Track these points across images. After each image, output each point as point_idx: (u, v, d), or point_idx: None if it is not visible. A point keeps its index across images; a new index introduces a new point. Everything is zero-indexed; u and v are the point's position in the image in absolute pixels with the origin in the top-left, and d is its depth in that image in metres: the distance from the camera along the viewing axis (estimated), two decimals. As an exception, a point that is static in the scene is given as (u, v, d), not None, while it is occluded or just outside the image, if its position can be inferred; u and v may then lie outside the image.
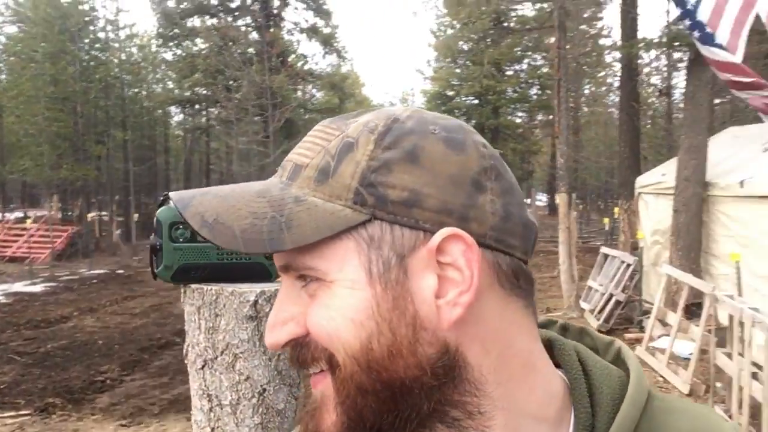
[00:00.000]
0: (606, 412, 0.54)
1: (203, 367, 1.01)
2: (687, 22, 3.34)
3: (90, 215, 18.90)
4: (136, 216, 19.98)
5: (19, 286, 13.46)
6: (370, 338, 0.49)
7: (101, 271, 16.03)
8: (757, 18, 3.26)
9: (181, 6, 21.51)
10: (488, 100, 30.59)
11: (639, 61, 14.20)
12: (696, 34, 3.31)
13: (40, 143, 18.09)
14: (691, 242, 8.82)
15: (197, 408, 1.02)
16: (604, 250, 10.91)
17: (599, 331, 8.45)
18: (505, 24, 26.34)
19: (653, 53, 18.38)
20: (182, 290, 1.02)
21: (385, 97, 50.09)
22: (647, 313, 8.70)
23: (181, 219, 1.01)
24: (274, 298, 1.00)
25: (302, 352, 0.51)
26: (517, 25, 27.05)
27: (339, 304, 0.49)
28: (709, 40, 3.27)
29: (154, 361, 7.52)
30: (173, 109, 28.55)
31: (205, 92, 22.28)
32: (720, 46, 3.25)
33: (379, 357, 0.49)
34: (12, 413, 5.66)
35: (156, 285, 13.64)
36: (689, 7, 3.27)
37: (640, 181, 11.11)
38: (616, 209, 11.45)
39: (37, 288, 13.22)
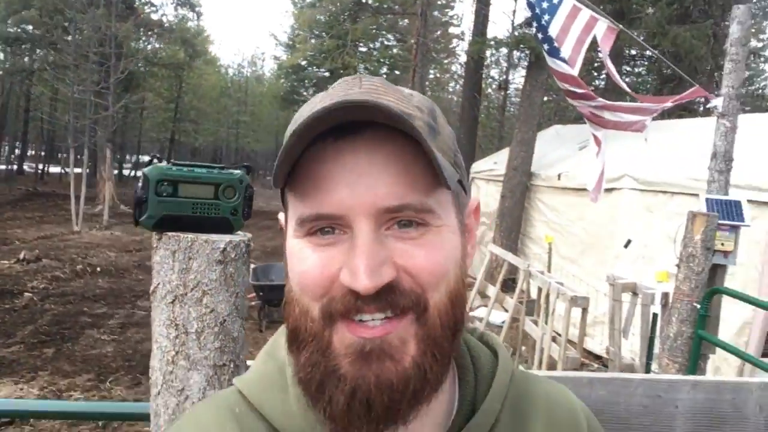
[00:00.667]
0: (485, 381, 0.65)
1: (173, 301, 1.21)
2: (539, 36, 3.92)
3: None
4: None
5: None
6: (460, 278, 0.57)
7: None
8: (594, 39, 3.95)
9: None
10: (339, 74, 30.93)
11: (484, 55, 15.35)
12: (546, 47, 3.92)
13: None
14: (512, 224, 9.95)
15: (163, 336, 1.22)
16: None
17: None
18: (366, 2, 26.77)
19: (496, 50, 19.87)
20: (157, 237, 1.21)
21: (234, 57, 48.23)
22: (469, 286, 9.72)
23: (166, 177, 1.20)
24: (238, 247, 1.25)
25: (393, 295, 0.53)
26: (376, 3, 27.61)
27: (449, 247, 0.56)
28: (555, 53, 3.89)
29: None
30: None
31: (36, 32, 19.97)
32: (564, 60, 3.88)
33: (462, 295, 0.57)
34: None
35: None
36: (543, 23, 3.86)
37: (476, 166, 12.20)
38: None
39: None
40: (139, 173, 1.21)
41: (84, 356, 6.02)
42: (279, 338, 0.66)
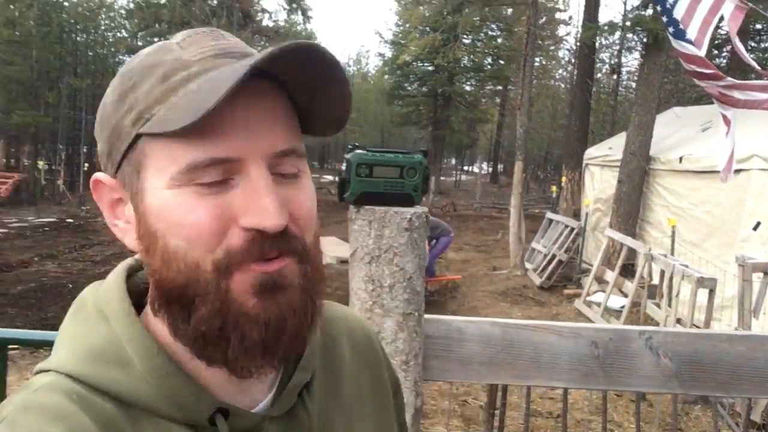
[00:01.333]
0: None
1: (370, 261, 1.51)
2: (665, 19, 3.94)
3: (40, 163, 18.44)
4: (86, 166, 19.62)
5: (-32, 232, 13.22)
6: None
7: (50, 220, 15.82)
8: (720, 18, 3.92)
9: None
10: (444, 68, 31.08)
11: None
12: (671, 29, 3.93)
13: (-10, 85, 17.48)
14: (630, 210, 9.71)
15: (361, 289, 1.52)
16: (549, 215, 11.79)
17: (541, 287, 9.32)
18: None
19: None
20: (355, 210, 1.51)
21: (341, 56, 49.51)
22: (585, 272, 9.62)
23: (364, 161, 1.50)
24: (420, 217, 1.52)
25: (287, 236, 0.54)
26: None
27: (314, 192, 0.60)
28: (681, 35, 3.90)
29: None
30: (124, 58, 27.64)
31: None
32: (690, 41, 3.88)
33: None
34: None
35: (112, 235, 13.66)
36: (668, 5, 3.88)
37: (589, 153, 11.97)
38: (564, 178, 12.30)
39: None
40: (345, 157, 1.52)
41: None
42: (89, 313, 0.62)
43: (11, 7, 18.72)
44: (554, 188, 11.99)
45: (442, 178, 36.54)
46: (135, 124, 0.54)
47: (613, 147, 10.97)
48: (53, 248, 11.39)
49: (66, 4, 21.59)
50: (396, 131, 42.19)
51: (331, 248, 12.25)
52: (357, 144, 1.55)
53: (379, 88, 40.17)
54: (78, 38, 22.24)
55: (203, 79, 0.53)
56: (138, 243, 0.57)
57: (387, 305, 1.54)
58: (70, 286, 8.42)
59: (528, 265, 10.51)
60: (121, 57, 28.38)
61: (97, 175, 0.59)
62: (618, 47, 20.87)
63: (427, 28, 30.47)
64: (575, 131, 14.20)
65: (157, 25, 20.02)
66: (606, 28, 12.08)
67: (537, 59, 33.70)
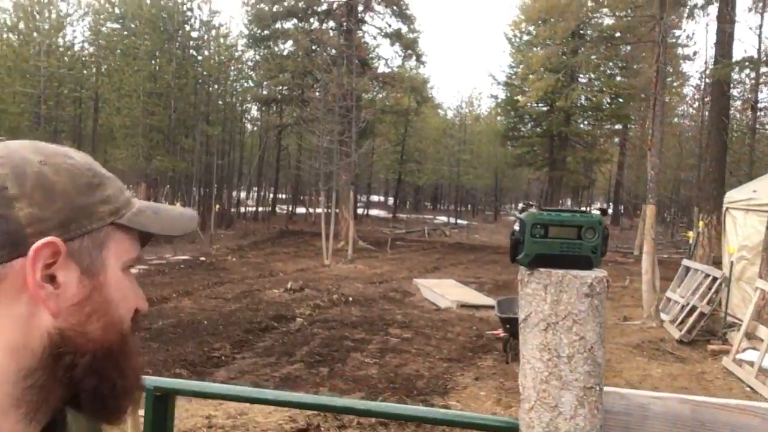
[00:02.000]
0: None
1: (545, 328, 1.41)
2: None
3: (178, 204, 19.98)
4: (217, 207, 20.98)
5: (116, 269, 14.39)
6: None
7: (185, 257, 16.93)
8: None
9: (274, 9, 22.44)
10: (560, 108, 30.45)
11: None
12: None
13: (135, 135, 19.30)
14: (784, 259, 8.78)
15: (536, 358, 1.42)
16: (686, 263, 10.95)
17: (680, 341, 8.60)
18: (586, 33, 26.23)
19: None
20: (528, 273, 1.41)
21: (453, 98, 50.07)
22: (732, 326, 8.76)
23: (539, 221, 1.42)
24: (602, 282, 1.41)
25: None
26: (598, 33, 26.79)
27: None
28: None
29: (259, 342, 8.10)
30: (251, 107, 29.86)
31: (286, 92, 23.24)
32: None
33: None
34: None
35: (240, 273, 14.44)
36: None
37: (730, 196, 11.06)
38: (701, 223, 11.45)
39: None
40: (518, 216, 1.45)
41: (353, 376, 6.70)
42: None
43: (153, 62, 20.71)
44: (689, 233, 11.16)
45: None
46: (113, 214, 0.67)
47: (758, 189, 10.07)
48: (189, 285, 12.12)
49: (200, 58, 23.61)
50: (510, 172, 41.62)
51: (450, 291, 12.11)
52: (530, 203, 1.47)
53: (492, 129, 39.98)
54: (210, 89, 24.18)
55: (152, 207, 0.73)
56: (74, 308, 0.63)
57: (565, 377, 1.42)
58: (205, 322, 8.88)
59: (664, 316, 9.77)
60: (248, 104, 30.47)
61: (54, 239, 0.61)
62: (753, 81, 19.39)
63: (543, 69, 30.12)
64: (711, 172, 13.24)
65: (281, 75, 21.29)
66: (747, 64, 11.26)
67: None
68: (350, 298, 11.41)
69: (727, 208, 10.92)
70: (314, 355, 7.53)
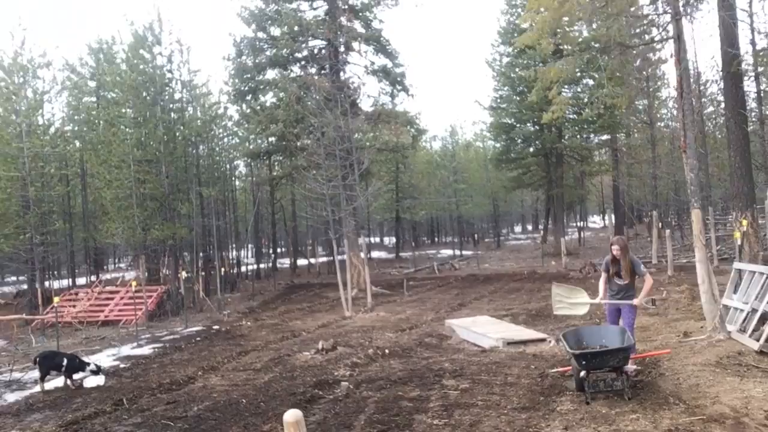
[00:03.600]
0: None
1: None
2: None
3: (183, 274, 19.15)
4: (222, 270, 20.16)
5: (127, 350, 13.51)
6: None
7: (198, 329, 16.06)
8: None
9: (256, 60, 22.11)
10: (550, 125, 30.21)
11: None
12: None
13: (130, 206, 18.58)
14: None
15: None
16: (737, 265, 10.31)
17: (761, 352, 7.88)
18: (563, 47, 26.11)
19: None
20: None
21: (441, 128, 50.01)
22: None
23: None
24: None
25: None
26: (574, 47, 26.74)
27: None
28: None
29: (309, 417, 7.25)
30: (239, 163, 29.36)
31: (277, 143, 22.76)
32: None
33: None
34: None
35: (261, 338, 13.57)
36: None
37: (770, 190, 10.55)
38: (744, 221, 10.90)
39: (146, 350, 13.24)
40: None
41: (430, 446, 5.90)
42: None
43: (139, 130, 20.13)
44: (736, 233, 10.57)
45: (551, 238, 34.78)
46: None
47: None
48: (211, 359, 11.27)
49: (185, 120, 23.06)
50: (507, 196, 41.20)
51: (489, 329, 11.34)
52: None
53: (482, 155, 39.71)
54: (198, 151, 23.59)
55: None
56: None
57: None
58: (243, 401, 8.03)
59: (729, 327, 9.07)
60: (237, 161, 29.90)
61: None
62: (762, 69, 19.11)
63: (525, 89, 29.98)
64: (737, 168, 12.75)
65: (272, 126, 20.80)
66: (762, 57, 10.90)
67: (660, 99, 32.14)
68: (386, 351, 10.61)
69: (771, 203, 10.41)
70: (375, 424, 6.71)
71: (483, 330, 11.15)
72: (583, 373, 6.64)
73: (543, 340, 10.30)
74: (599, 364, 6.72)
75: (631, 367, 7.16)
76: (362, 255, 19.05)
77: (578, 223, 47.09)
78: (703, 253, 9.33)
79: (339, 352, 10.65)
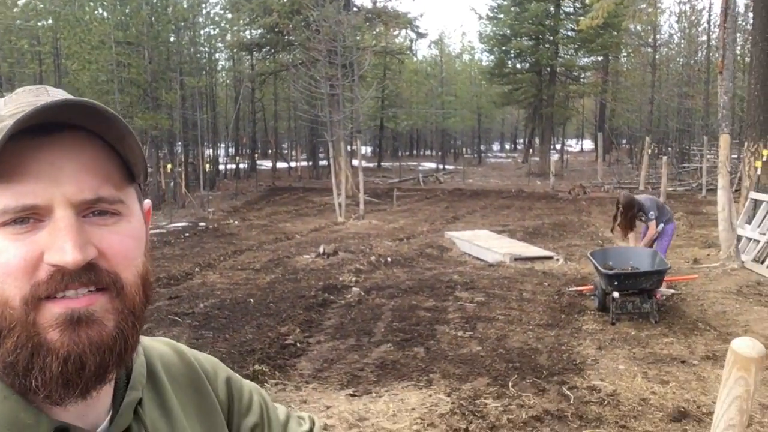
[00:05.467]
0: None
1: None
2: None
3: (169, 166, 18.34)
4: (207, 166, 19.39)
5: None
6: (147, 262, 0.64)
7: (183, 224, 15.56)
8: None
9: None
10: (547, 40, 29.18)
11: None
12: None
13: (111, 90, 17.37)
14: None
15: None
16: (754, 195, 10.17)
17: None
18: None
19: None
20: None
21: (442, 32, 48.21)
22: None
23: None
24: None
25: (94, 272, 0.58)
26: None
27: (138, 235, 0.64)
28: None
29: (325, 321, 7.00)
30: (221, 55, 27.71)
31: (269, 36, 21.33)
32: None
33: (149, 277, 0.65)
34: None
35: (253, 238, 13.17)
36: None
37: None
38: (765, 151, 10.65)
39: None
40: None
41: (459, 357, 5.68)
42: None
43: (123, 8, 18.55)
44: (758, 162, 10.34)
45: (535, 158, 34.59)
46: None
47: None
48: (206, 256, 10.87)
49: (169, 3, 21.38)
50: (492, 113, 40.46)
51: (493, 244, 11.12)
52: None
53: (473, 67, 38.55)
54: (181, 38, 22.07)
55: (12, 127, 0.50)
56: None
57: None
58: (251, 300, 7.72)
59: (743, 257, 9.00)
60: (220, 53, 28.28)
61: None
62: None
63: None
64: (756, 96, 12.33)
65: (266, 17, 19.37)
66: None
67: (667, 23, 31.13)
68: (389, 259, 10.35)
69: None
70: (396, 332, 6.48)
71: (487, 244, 10.92)
72: (616, 294, 6.44)
73: (550, 257, 10.13)
74: (632, 285, 6.52)
75: (668, 290, 7.01)
76: (355, 161, 18.44)
77: (559, 146, 46.95)
78: (727, 180, 9.09)
79: (341, 257, 10.34)
